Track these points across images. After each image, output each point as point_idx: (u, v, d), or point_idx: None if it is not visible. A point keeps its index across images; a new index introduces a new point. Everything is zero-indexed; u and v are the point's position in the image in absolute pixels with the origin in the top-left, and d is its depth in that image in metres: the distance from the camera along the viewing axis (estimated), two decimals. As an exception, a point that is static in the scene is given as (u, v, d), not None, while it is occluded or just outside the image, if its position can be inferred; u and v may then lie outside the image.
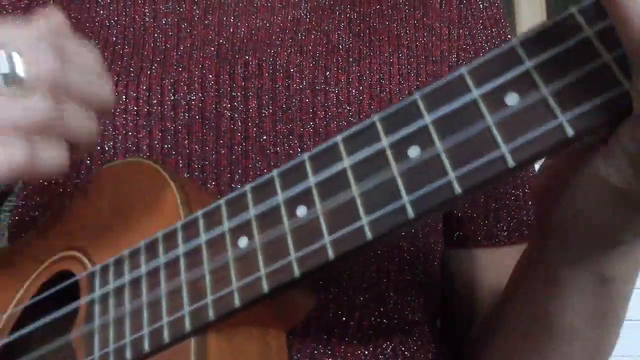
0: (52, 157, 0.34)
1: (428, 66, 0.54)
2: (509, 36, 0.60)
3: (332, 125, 0.50)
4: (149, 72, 0.52)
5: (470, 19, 0.57)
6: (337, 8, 0.56)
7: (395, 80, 0.52)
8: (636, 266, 0.38)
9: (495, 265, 0.55)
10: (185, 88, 0.51)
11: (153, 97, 0.51)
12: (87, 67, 0.37)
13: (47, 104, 0.33)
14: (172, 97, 0.51)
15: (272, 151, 0.49)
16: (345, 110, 0.50)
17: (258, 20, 0.55)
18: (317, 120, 0.50)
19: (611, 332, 0.43)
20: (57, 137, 0.34)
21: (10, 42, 0.34)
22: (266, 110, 0.51)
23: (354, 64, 0.53)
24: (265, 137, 0.50)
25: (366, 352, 0.48)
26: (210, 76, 0.52)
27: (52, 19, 0.36)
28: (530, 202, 0.56)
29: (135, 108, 0.51)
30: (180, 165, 0.49)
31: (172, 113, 0.50)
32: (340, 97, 0.51)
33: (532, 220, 0.55)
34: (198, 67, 0.52)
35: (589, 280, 0.38)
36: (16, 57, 0.33)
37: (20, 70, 0.33)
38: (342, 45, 0.54)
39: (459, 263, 0.57)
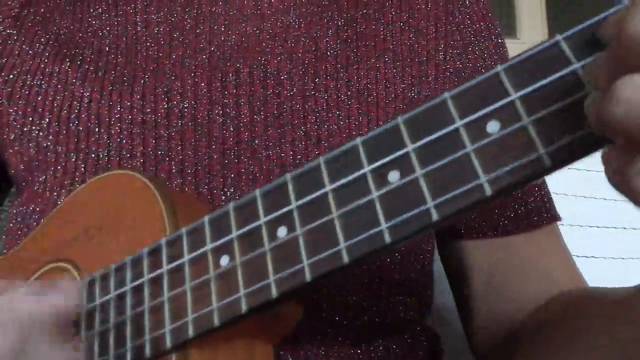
0: None
1: (413, 68, 0.54)
2: (498, 30, 0.59)
3: (322, 129, 0.50)
4: (142, 81, 0.53)
5: (457, 14, 0.57)
6: (324, 14, 0.56)
7: (381, 85, 0.53)
8: None
9: (499, 256, 0.55)
10: (178, 96, 0.52)
11: (147, 106, 0.51)
12: None
13: None
14: (166, 105, 0.51)
15: (264, 155, 0.50)
16: (335, 115, 0.51)
17: (248, 28, 0.55)
18: (308, 124, 0.51)
19: None
20: None
21: None
22: (258, 116, 0.51)
23: (341, 70, 0.53)
24: (257, 141, 0.50)
25: (359, 351, 0.49)
26: (203, 84, 0.52)
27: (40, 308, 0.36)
28: (537, 188, 0.55)
29: (130, 117, 0.51)
30: (174, 170, 0.49)
31: (165, 121, 0.51)
32: (329, 102, 0.52)
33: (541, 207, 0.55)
34: (190, 75, 0.52)
35: None
36: None
37: None
38: (330, 52, 0.54)
39: (461, 254, 0.56)
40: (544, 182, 0.57)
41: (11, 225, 0.53)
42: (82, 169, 0.50)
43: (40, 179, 0.52)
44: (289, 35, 0.55)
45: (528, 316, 0.52)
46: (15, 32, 0.57)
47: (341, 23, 0.56)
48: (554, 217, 0.56)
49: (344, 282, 0.47)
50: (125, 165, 0.50)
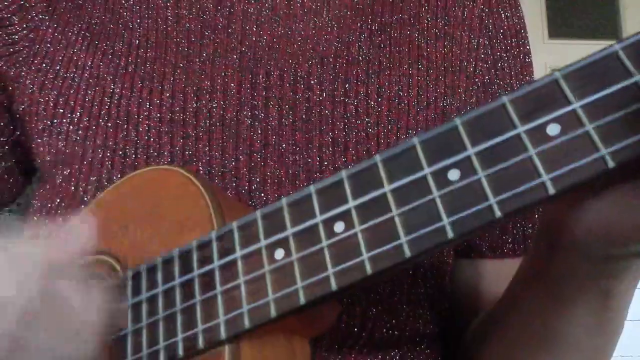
0: None
1: (447, 77, 0.55)
2: (527, 47, 0.60)
3: (351, 135, 0.51)
4: (171, 78, 0.53)
5: (492, 28, 0.58)
6: (358, 18, 0.56)
7: (413, 92, 0.53)
8: (635, 280, 0.39)
9: (499, 277, 0.56)
10: (207, 96, 0.52)
11: (176, 104, 0.51)
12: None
13: None
14: (195, 105, 0.52)
15: (290, 159, 0.50)
16: (364, 122, 0.52)
17: (280, 29, 0.55)
18: (336, 130, 0.51)
19: (611, 340, 0.45)
20: None
21: None
22: (286, 120, 0.51)
23: (373, 76, 0.53)
24: (284, 146, 0.51)
25: None
26: (232, 84, 0.52)
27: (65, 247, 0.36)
28: (536, 216, 0.57)
29: (159, 115, 0.51)
30: (201, 171, 0.50)
31: (193, 120, 0.51)
32: (359, 108, 0.52)
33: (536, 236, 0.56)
34: (220, 75, 0.53)
35: (593, 295, 0.39)
36: None
37: None
38: (362, 57, 0.54)
39: (463, 273, 0.58)
40: None
41: (35, 218, 0.53)
42: (109, 166, 0.50)
43: (65, 173, 0.52)
44: (321, 38, 0.55)
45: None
46: (47, 17, 0.56)
47: (375, 28, 0.56)
48: None
49: (363, 295, 0.48)
50: (152, 164, 0.50)
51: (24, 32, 0.56)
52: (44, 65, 0.55)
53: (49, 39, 0.56)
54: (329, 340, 0.47)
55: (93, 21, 0.57)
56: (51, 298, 0.34)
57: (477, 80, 0.56)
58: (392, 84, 0.53)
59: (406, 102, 0.53)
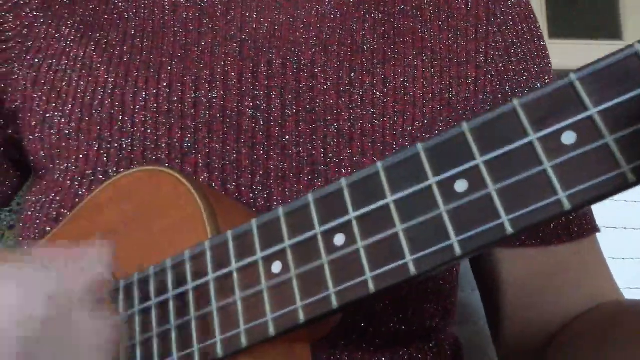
0: None
1: (452, 69, 0.53)
2: (540, 32, 0.58)
3: (356, 126, 0.49)
4: (169, 67, 0.51)
5: (500, 15, 0.56)
6: (361, 7, 0.55)
7: (419, 84, 0.52)
8: None
9: (525, 266, 0.54)
10: (206, 85, 0.50)
11: (173, 94, 0.49)
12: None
13: None
14: (193, 95, 0.49)
15: (294, 151, 0.48)
16: (370, 113, 0.50)
17: (281, 16, 0.53)
18: (340, 121, 0.49)
19: None
20: None
21: None
22: (289, 110, 0.49)
23: (378, 66, 0.51)
24: (287, 137, 0.49)
25: (383, 359, 0.48)
26: (233, 74, 0.50)
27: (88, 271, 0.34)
28: None
29: (155, 105, 0.49)
30: (200, 164, 0.48)
31: (192, 111, 0.49)
32: (364, 98, 0.50)
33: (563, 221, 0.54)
34: (220, 64, 0.51)
35: None
36: None
37: None
38: (366, 46, 0.52)
39: (503, 264, 0.55)
40: None
41: (29, 213, 0.51)
42: (105, 159, 0.49)
43: (62, 167, 0.50)
44: (324, 25, 0.53)
45: (567, 327, 0.51)
46: (42, 14, 0.55)
47: (378, 17, 0.54)
48: (594, 229, 0.55)
49: None
50: (150, 156, 0.48)
51: (18, 29, 0.55)
52: (37, 60, 0.54)
53: (42, 35, 0.54)
54: (335, 335, 0.46)
55: (87, 13, 0.55)
56: (59, 329, 0.31)
57: (490, 69, 0.54)
58: (398, 75, 0.52)
59: (412, 93, 0.51)
